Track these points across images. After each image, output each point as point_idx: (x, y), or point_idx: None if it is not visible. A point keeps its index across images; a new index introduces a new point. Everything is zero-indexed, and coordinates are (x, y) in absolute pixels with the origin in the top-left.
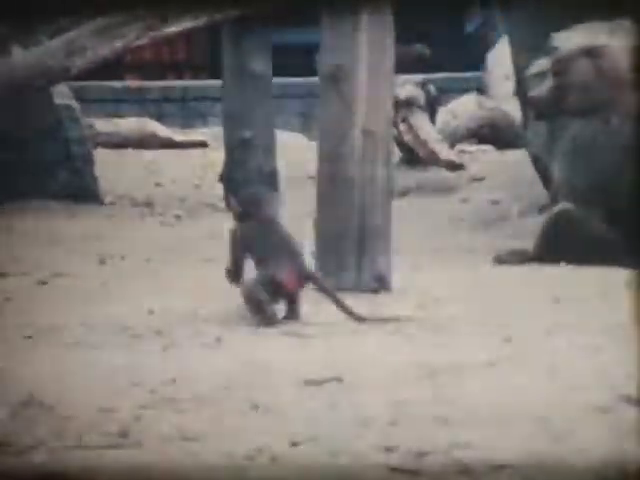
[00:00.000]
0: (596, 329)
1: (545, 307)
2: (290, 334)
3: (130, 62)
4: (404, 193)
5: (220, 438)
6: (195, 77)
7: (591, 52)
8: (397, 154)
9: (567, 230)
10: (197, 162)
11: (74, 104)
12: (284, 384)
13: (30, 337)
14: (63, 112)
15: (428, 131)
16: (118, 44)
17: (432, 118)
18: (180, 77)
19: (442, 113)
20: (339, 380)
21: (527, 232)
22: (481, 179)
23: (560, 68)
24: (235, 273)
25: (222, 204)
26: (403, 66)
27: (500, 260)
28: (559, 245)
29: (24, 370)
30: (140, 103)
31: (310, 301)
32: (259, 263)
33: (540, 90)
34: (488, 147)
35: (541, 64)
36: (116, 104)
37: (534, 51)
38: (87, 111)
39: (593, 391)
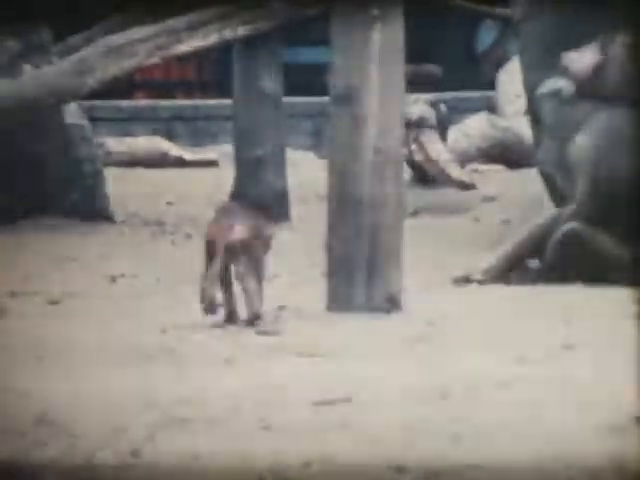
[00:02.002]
0: (608, 347)
1: (557, 326)
2: (302, 354)
3: (140, 81)
4: (415, 212)
5: (232, 458)
6: (205, 96)
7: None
8: (408, 173)
9: (575, 249)
10: (208, 181)
11: (85, 123)
12: (296, 404)
13: (42, 357)
14: (74, 131)
15: (439, 150)
16: (129, 63)
17: (443, 137)
18: (190, 96)
19: (453, 132)
20: (350, 400)
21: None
22: (492, 199)
23: (603, 42)
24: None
25: None
26: (414, 85)
27: (508, 282)
28: (567, 264)
29: (36, 389)
30: (151, 122)
31: (322, 321)
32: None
33: (582, 63)
34: (499, 166)
35: (552, 83)
36: (127, 123)
37: (545, 70)
38: (98, 130)
39: (606, 410)
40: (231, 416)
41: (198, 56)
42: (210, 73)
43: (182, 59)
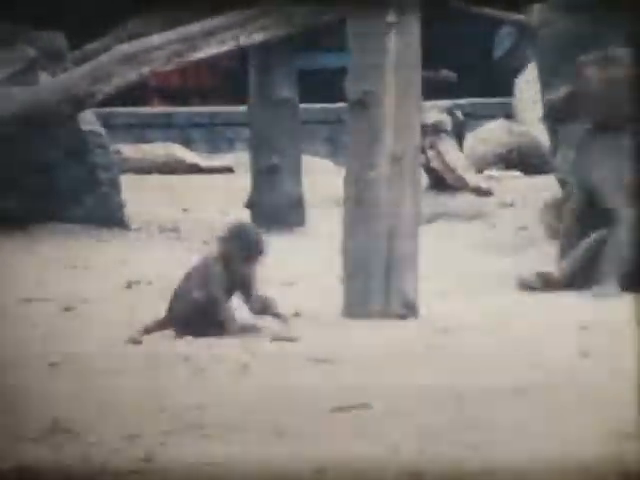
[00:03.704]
0: (625, 355)
1: (573, 333)
2: (317, 360)
3: (156, 87)
4: (432, 219)
5: (245, 464)
6: (221, 103)
7: (605, 60)
8: (425, 180)
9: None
10: (223, 188)
11: (100, 130)
12: (310, 410)
13: (56, 363)
14: (90, 138)
15: (456, 157)
16: (144, 70)
17: (460, 144)
18: (205, 102)
19: (470, 139)
20: (366, 406)
21: (555, 259)
22: (509, 205)
23: (577, 73)
24: None
25: None
26: (430, 92)
27: (524, 284)
28: (594, 271)
29: (50, 396)
30: (167, 129)
31: (338, 328)
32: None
33: (557, 94)
34: (516, 173)
35: (567, 89)
36: (143, 130)
37: (562, 76)
38: (114, 137)
39: (622, 418)
40: (246, 422)
41: (214, 62)
42: (226, 79)
43: (198, 65)
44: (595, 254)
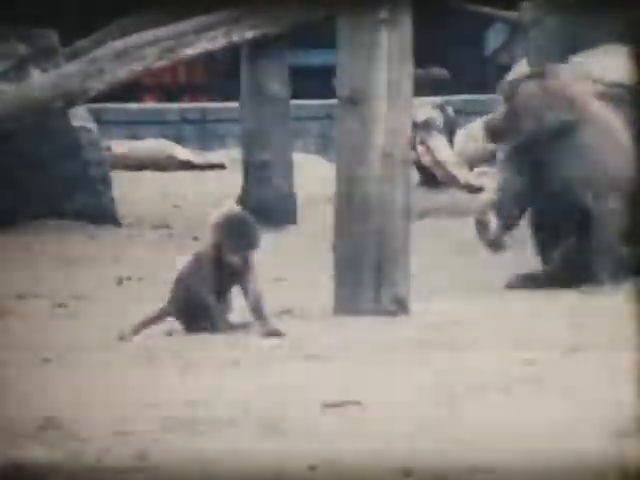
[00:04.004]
0: (613, 351)
1: (563, 330)
2: (308, 356)
3: (149, 84)
4: (422, 215)
5: (237, 461)
6: (212, 99)
7: (537, 75)
8: (415, 176)
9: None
10: (215, 184)
11: (92, 126)
12: (301, 406)
13: (48, 359)
14: (81, 134)
15: (446, 153)
16: (136, 67)
17: (450, 140)
18: (197, 99)
19: (460, 135)
20: (357, 403)
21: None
22: None
23: (510, 92)
24: None
25: None
26: (421, 88)
27: (512, 286)
28: (583, 268)
29: (42, 392)
30: (158, 125)
31: (329, 324)
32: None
33: (493, 115)
34: None
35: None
36: (134, 126)
37: None
38: (105, 133)
39: (611, 414)
40: (237, 418)
41: (206, 59)
42: (218, 76)
43: (190, 62)
44: (577, 251)
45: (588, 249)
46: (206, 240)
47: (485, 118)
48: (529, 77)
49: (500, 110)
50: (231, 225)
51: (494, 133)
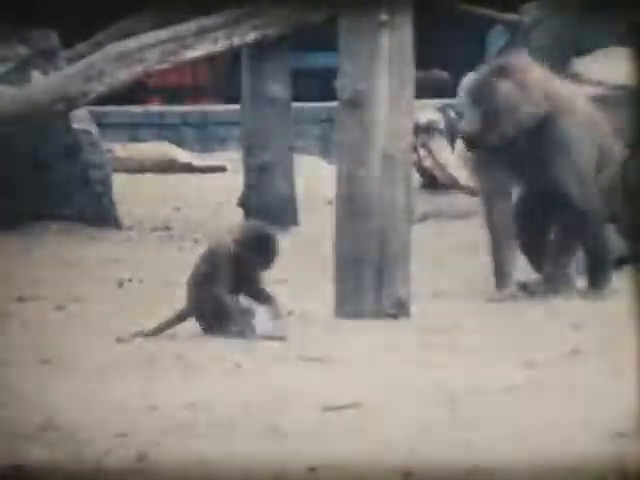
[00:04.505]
0: (614, 352)
1: (565, 333)
2: (309, 359)
3: (149, 86)
4: (423, 218)
5: (238, 463)
6: (214, 102)
7: (506, 71)
8: (417, 179)
9: None
10: (216, 186)
11: (93, 129)
12: (302, 409)
13: (48, 361)
14: (82, 136)
15: (447, 156)
16: (137, 69)
17: (452, 143)
18: (198, 102)
19: None
20: (358, 405)
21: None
22: None
23: (482, 95)
24: None
25: None
26: (422, 91)
27: (527, 290)
28: (582, 271)
29: (42, 394)
30: (159, 128)
31: (329, 327)
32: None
33: (470, 122)
34: None
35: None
36: (135, 129)
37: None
38: (106, 136)
39: (611, 415)
40: (237, 421)
41: (208, 62)
42: (219, 78)
43: (191, 64)
44: (566, 252)
45: (577, 247)
46: (221, 242)
47: (461, 127)
48: (497, 74)
49: (472, 115)
50: (260, 243)
51: (475, 141)
